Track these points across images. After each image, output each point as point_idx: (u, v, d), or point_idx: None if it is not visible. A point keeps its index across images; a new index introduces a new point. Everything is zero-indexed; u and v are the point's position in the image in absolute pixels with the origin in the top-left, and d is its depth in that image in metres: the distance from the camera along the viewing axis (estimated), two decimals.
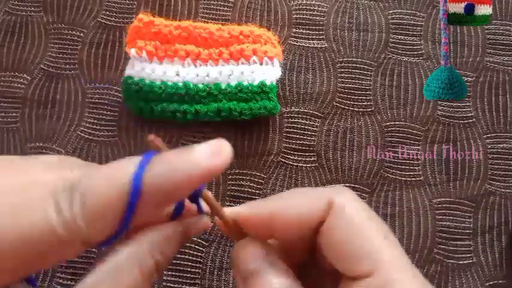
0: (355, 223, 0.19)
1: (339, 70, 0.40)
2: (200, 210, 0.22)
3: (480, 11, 0.38)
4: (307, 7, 0.42)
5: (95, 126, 0.38)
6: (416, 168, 0.38)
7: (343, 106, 0.40)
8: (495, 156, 0.39)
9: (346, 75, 0.40)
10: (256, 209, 0.21)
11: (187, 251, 0.36)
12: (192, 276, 0.35)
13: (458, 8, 0.39)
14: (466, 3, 0.38)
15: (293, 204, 0.20)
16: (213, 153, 0.18)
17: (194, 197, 0.21)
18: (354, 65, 0.41)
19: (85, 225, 0.17)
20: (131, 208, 0.16)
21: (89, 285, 0.18)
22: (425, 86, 0.39)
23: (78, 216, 0.17)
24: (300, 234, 0.20)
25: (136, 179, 0.16)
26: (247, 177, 0.37)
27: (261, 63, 0.38)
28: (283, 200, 0.21)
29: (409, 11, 0.42)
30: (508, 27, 0.42)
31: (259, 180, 0.37)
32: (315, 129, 0.39)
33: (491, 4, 0.39)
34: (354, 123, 0.39)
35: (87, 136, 0.38)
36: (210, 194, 0.21)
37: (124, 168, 0.17)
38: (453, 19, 0.40)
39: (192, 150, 0.18)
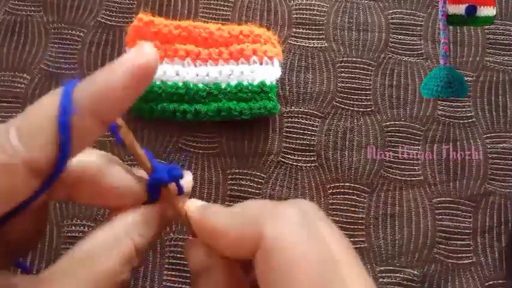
0: (285, 264, 0.17)
1: (338, 70, 0.40)
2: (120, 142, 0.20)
3: (482, 12, 0.36)
4: (307, 7, 0.42)
5: None
6: (416, 168, 0.38)
7: (343, 106, 0.40)
8: (495, 156, 0.39)
9: (346, 75, 0.40)
10: (207, 218, 0.20)
11: None
12: None
13: (459, 9, 0.38)
14: (467, 4, 0.36)
15: (231, 229, 0.19)
16: (135, 51, 0.17)
17: (112, 130, 0.19)
18: (354, 64, 0.41)
19: (22, 147, 0.16)
20: (64, 124, 0.16)
21: (63, 273, 0.17)
22: (423, 84, 0.38)
23: (14, 139, 0.16)
24: (237, 257, 0.20)
25: (65, 95, 0.16)
26: (247, 177, 0.37)
27: (261, 63, 0.38)
28: (228, 219, 0.20)
29: (409, 11, 0.42)
30: (509, 27, 0.42)
31: (259, 180, 0.37)
32: (314, 129, 0.39)
33: (495, 5, 0.36)
34: (354, 123, 0.39)
35: None
36: (171, 190, 0.21)
37: (52, 94, 0.17)
38: (453, 20, 0.39)
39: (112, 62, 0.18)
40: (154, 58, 0.17)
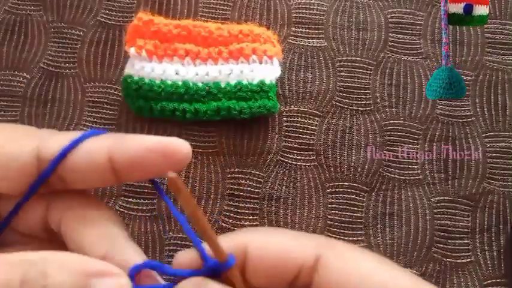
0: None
1: (338, 69, 0.40)
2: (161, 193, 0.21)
3: (477, 11, 0.40)
4: (307, 6, 0.42)
5: (94, 125, 0.38)
6: (415, 167, 0.38)
7: (342, 105, 0.40)
8: (494, 155, 0.39)
9: (345, 74, 0.40)
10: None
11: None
12: None
13: (458, 8, 0.40)
14: (465, 3, 0.39)
15: (276, 241, 0.19)
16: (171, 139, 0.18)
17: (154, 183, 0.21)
18: (353, 63, 0.41)
19: None
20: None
21: None
22: (428, 85, 0.39)
23: None
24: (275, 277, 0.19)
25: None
26: (247, 176, 0.38)
27: (261, 62, 0.38)
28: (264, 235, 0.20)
29: (409, 10, 0.42)
30: (508, 26, 0.42)
31: (259, 179, 0.38)
32: (314, 128, 0.39)
33: (488, 4, 0.40)
34: (353, 122, 0.39)
35: None
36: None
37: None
38: (453, 19, 0.40)
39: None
40: (184, 150, 0.19)
